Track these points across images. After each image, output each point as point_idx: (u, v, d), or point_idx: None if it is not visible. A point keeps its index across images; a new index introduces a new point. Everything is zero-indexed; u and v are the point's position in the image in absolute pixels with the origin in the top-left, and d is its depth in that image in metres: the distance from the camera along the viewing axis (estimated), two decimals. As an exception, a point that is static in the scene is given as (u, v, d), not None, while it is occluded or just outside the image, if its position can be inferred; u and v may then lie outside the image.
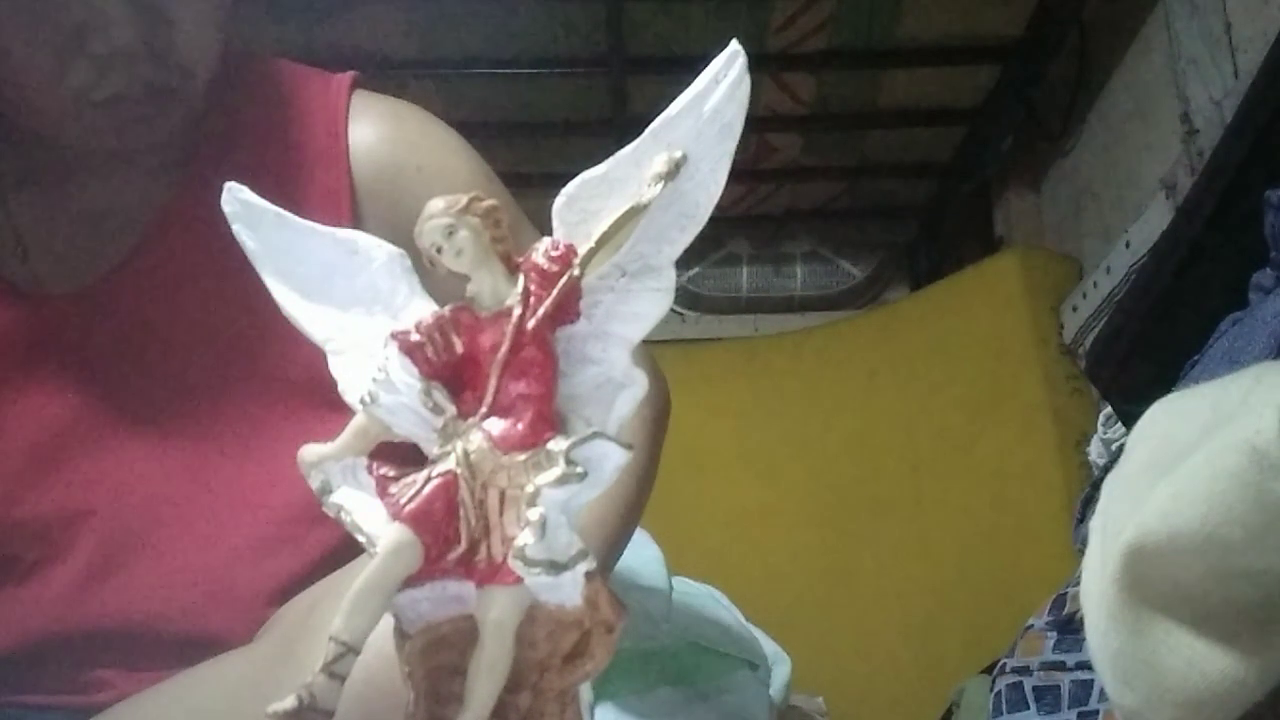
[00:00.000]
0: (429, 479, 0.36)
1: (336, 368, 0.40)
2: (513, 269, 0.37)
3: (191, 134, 0.82)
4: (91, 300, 0.80)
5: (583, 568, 0.34)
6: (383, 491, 0.36)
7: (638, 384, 0.37)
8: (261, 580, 0.76)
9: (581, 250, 0.37)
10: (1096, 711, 0.81)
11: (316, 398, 0.77)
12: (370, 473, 0.37)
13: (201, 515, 0.78)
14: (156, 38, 0.73)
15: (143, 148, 0.79)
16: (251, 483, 0.78)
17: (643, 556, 1.02)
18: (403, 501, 0.35)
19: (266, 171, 0.80)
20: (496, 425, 0.36)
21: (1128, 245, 1.67)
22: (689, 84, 0.37)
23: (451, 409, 0.37)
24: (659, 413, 0.82)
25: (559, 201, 0.38)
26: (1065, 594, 0.90)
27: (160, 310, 0.80)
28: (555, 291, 0.36)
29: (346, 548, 0.74)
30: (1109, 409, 1.28)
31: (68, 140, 0.78)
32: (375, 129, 0.83)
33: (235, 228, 0.41)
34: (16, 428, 0.78)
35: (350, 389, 0.39)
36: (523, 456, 0.35)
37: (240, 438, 0.79)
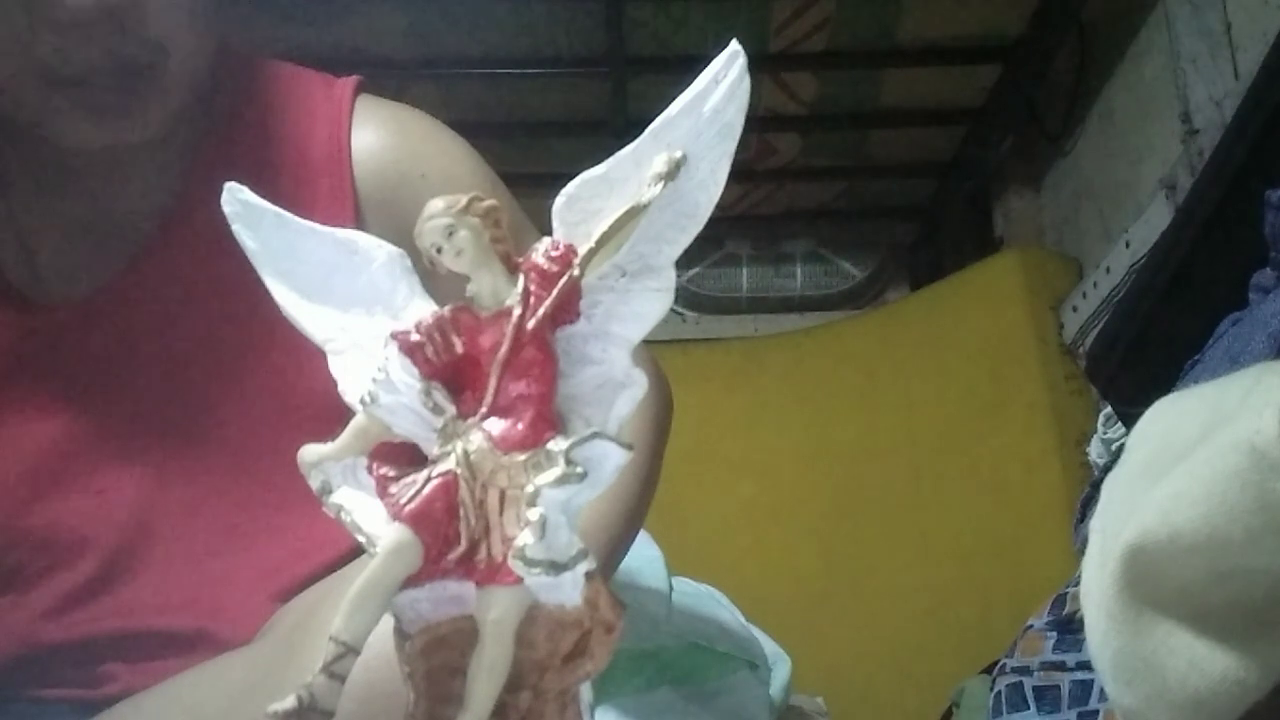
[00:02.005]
0: (429, 479, 0.36)
1: (336, 368, 0.40)
2: (513, 269, 0.37)
3: (183, 133, 0.81)
4: (96, 309, 0.79)
5: (583, 568, 0.34)
6: (383, 491, 0.36)
7: (638, 384, 0.37)
8: (264, 588, 0.76)
9: (581, 250, 0.37)
10: (1096, 711, 0.81)
11: (323, 407, 0.76)
12: (370, 473, 0.37)
13: (205, 525, 0.78)
14: (120, 5, 0.70)
15: (129, 143, 0.77)
16: (255, 491, 0.78)
17: (643, 556, 1.02)
18: (403, 501, 0.35)
19: (269, 177, 0.80)
20: (496, 425, 0.36)
21: (1128, 245, 1.67)
22: (689, 84, 0.37)
23: (451, 409, 0.37)
24: (662, 414, 0.82)
25: (559, 201, 0.38)
26: (1065, 594, 0.90)
27: (164, 318, 0.80)
28: (555, 291, 0.36)
29: (350, 554, 0.74)
30: (1109, 409, 1.28)
31: (54, 136, 0.76)
32: (379, 135, 0.83)
33: (235, 228, 0.41)
34: (20, 438, 0.78)
35: (350, 389, 0.39)
36: (523, 456, 0.35)
37: (244, 446, 0.78)
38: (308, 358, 0.75)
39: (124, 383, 0.79)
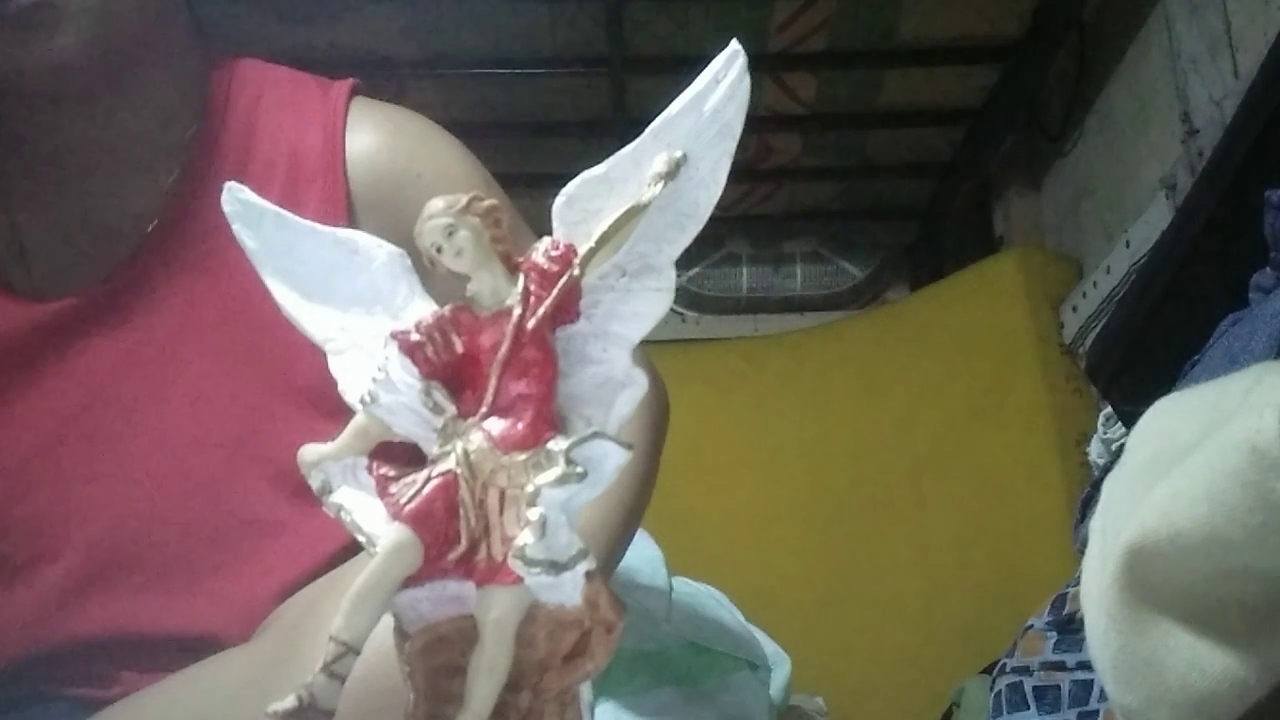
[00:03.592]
0: (429, 479, 0.36)
1: (336, 368, 0.40)
2: (513, 269, 0.37)
3: (175, 133, 0.81)
4: (90, 304, 0.80)
5: (583, 568, 0.34)
6: (383, 491, 0.36)
7: (638, 384, 0.37)
8: (259, 584, 0.76)
9: (581, 250, 0.37)
10: (1096, 711, 0.81)
11: (317, 404, 0.76)
12: (370, 472, 0.37)
13: (197, 519, 0.78)
14: None
15: (38, 65, 0.74)
16: (250, 487, 0.78)
17: (643, 556, 1.02)
18: (403, 501, 0.35)
19: (262, 179, 0.80)
20: (496, 425, 0.36)
21: (1128, 245, 1.67)
22: (689, 84, 0.37)
23: (451, 409, 0.37)
24: (658, 415, 0.82)
25: (559, 201, 0.38)
26: (1065, 594, 0.90)
27: (157, 315, 0.80)
28: (555, 291, 0.36)
29: (346, 550, 0.74)
30: (1109, 409, 1.28)
31: None
32: (374, 137, 0.83)
33: (235, 227, 0.41)
34: (11, 429, 0.78)
35: (350, 389, 0.39)
36: (523, 456, 0.35)
37: (239, 443, 0.78)
38: (301, 354, 0.75)
39: (118, 376, 0.79)
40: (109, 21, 0.76)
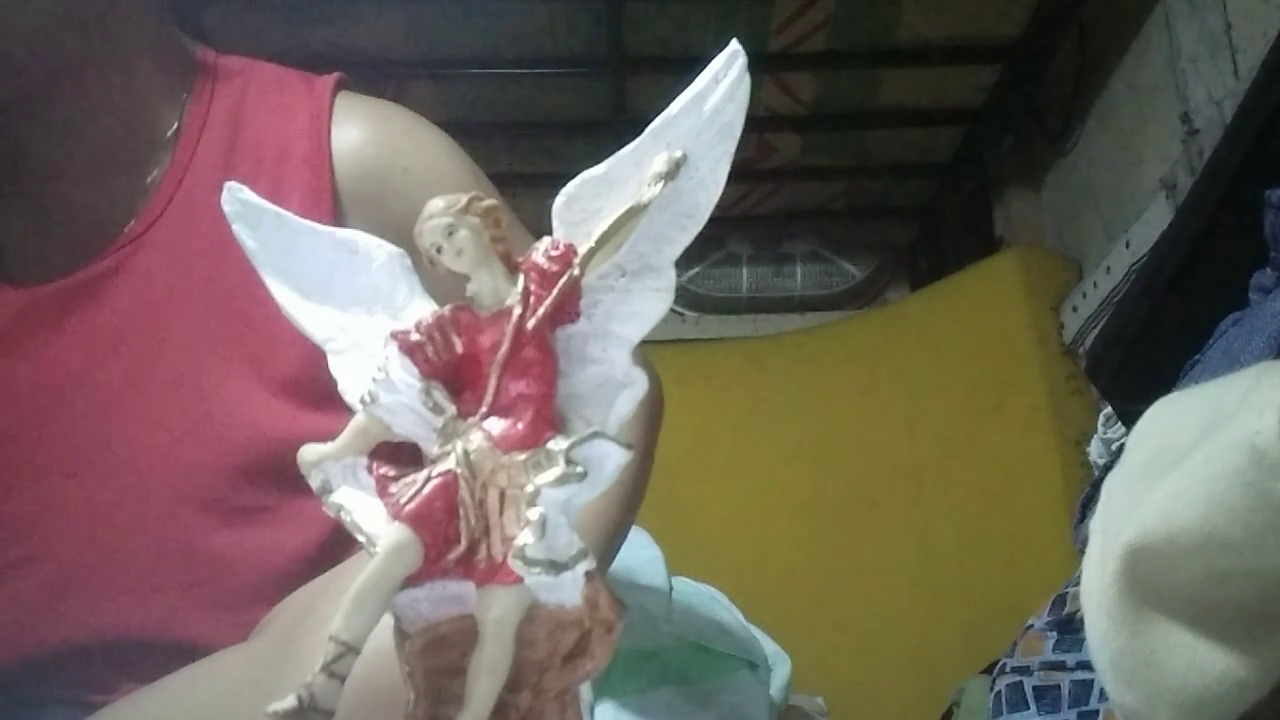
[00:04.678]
0: (429, 479, 0.36)
1: (336, 367, 0.40)
2: (513, 269, 0.37)
3: (158, 131, 0.81)
4: (70, 291, 0.80)
5: (582, 567, 0.34)
6: (383, 491, 0.36)
7: (638, 384, 0.37)
8: (250, 582, 0.76)
9: (581, 250, 0.37)
10: (1096, 711, 0.81)
11: (298, 395, 0.76)
12: (370, 472, 0.37)
13: (179, 513, 0.78)
14: None
15: None
16: (232, 477, 0.78)
17: (643, 556, 1.02)
18: (403, 501, 0.35)
19: (246, 174, 0.79)
20: (496, 425, 0.36)
21: (1128, 245, 1.67)
22: (689, 84, 0.37)
23: (451, 409, 0.37)
24: (653, 410, 0.82)
25: (559, 201, 0.38)
26: (1065, 594, 0.90)
27: (139, 304, 0.80)
28: (555, 291, 0.36)
29: (333, 536, 0.74)
30: (1109, 409, 1.28)
31: None
32: (360, 131, 0.83)
33: (235, 227, 0.41)
34: None
35: (350, 389, 0.39)
36: (523, 456, 0.35)
37: (220, 433, 0.78)
38: (282, 345, 0.75)
39: (97, 363, 0.79)
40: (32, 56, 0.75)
